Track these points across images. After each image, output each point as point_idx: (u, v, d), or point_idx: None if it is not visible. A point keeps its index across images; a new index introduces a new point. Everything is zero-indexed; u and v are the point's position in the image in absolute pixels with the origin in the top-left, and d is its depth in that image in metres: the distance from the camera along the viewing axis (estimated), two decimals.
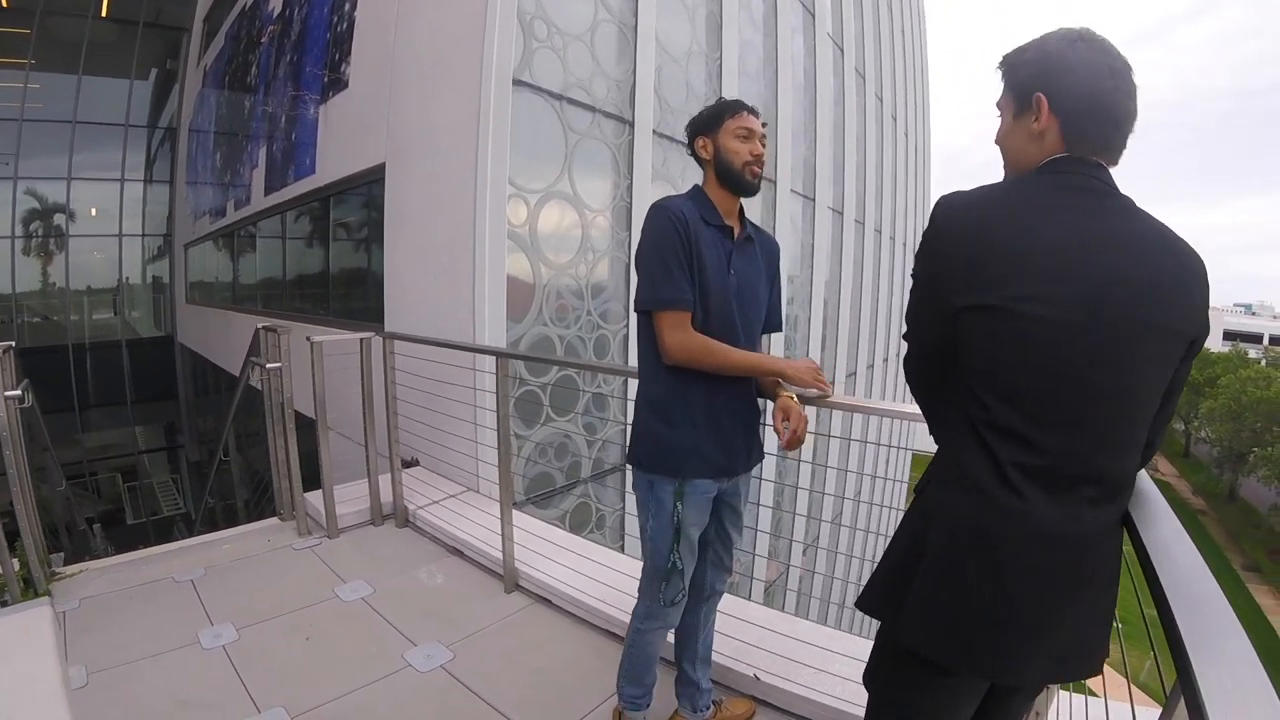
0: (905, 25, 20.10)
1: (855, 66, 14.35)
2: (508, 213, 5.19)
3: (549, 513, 5.79)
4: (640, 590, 2.40)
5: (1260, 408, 35.85)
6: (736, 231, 2.31)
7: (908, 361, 1.60)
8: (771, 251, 2.45)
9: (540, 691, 2.82)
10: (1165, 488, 38.01)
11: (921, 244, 1.44)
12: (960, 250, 1.36)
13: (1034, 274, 1.29)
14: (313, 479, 4.39)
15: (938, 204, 1.42)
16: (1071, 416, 1.32)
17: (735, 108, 2.29)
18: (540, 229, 5.68)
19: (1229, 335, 60.57)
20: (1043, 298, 1.29)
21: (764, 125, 2.33)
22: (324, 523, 4.35)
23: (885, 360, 18.93)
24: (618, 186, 6.60)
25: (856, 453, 16.14)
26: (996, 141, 1.53)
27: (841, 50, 13.40)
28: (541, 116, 5.67)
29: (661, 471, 2.24)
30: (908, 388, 1.64)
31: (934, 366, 1.50)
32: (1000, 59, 1.50)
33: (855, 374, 15.63)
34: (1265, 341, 60.01)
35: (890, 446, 18.64)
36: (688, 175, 7.87)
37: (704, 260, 2.16)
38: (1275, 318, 71.36)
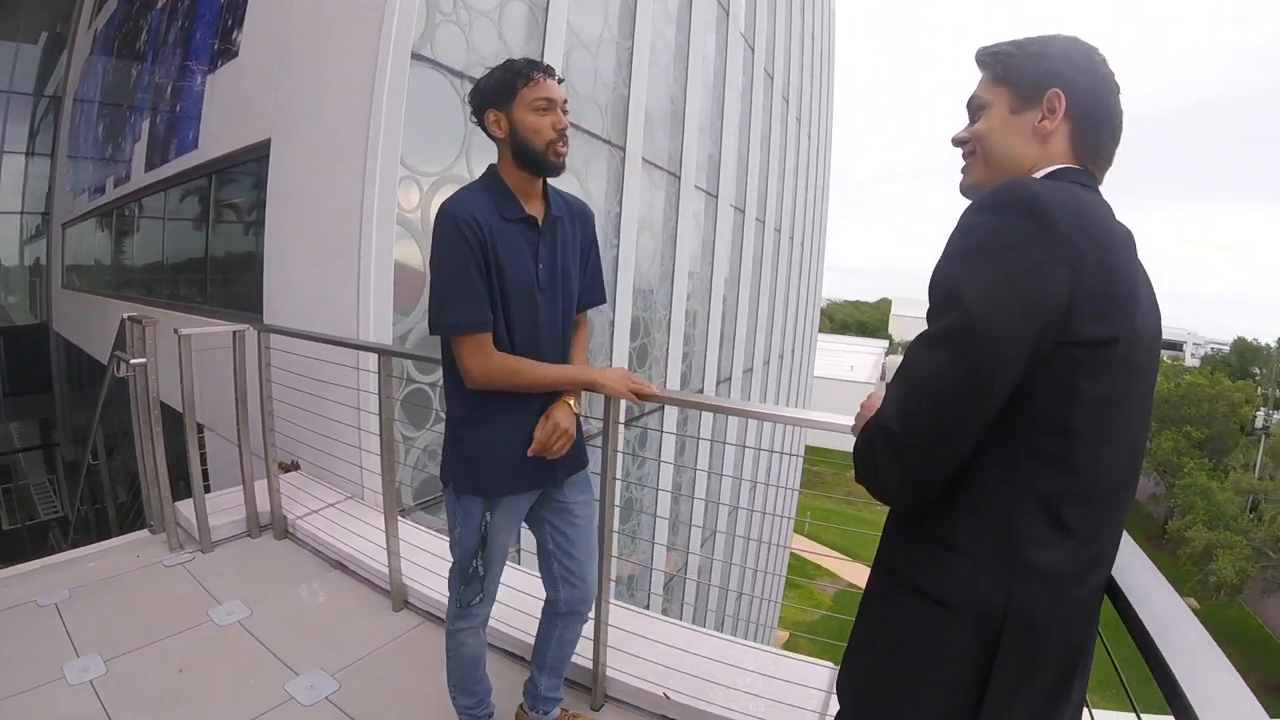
0: (816, 31, 20.44)
1: (765, 67, 14.44)
2: (399, 196, 4.84)
3: (440, 520, 5.46)
4: (449, 591, 2.29)
5: None
6: (542, 217, 2.08)
7: (923, 445, 1.12)
8: (584, 220, 2.26)
9: (435, 719, 2.58)
10: None
11: (1016, 247, 1.08)
12: (1090, 258, 1.07)
13: (1140, 303, 1.14)
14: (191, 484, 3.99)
15: (1033, 189, 1.11)
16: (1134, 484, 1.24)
17: (529, 74, 1.97)
18: (434, 215, 5.24)
19: None
20: (1146, 335, 1.15)
21: (560, 81, 2.03)
22: (197, 535, 3.96)
23: (780, 357, 19.21)
24: None
25: (750, 459, 16.28)
26: (972, 136, 1.35)
27: (753, 49, 13.45)
28: (441, 95, 5.33)
29: (470, 491, 2.13)
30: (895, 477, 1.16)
31: (979, 437, 1.12)
32: (984, 49, 1.36)
33: (752, 370, 15.79)
34: None
35: (782, 453, 18.85)
36: (591, 166, 7.63)
37: (503, 266, 1.97)
38: None
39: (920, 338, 1.14)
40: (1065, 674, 1.15)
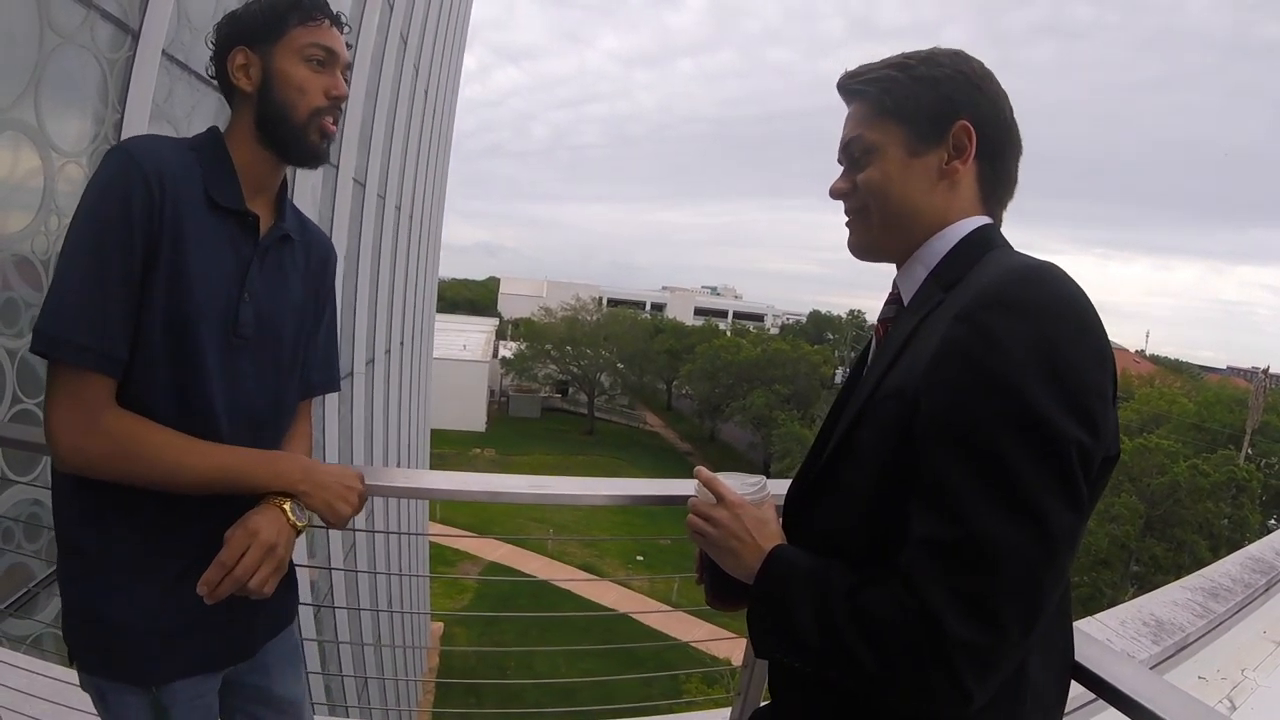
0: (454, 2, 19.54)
1: (401, 30, 13.28)
2: None
3: (35, 629, 3.66)
4: None
5: (732, 369, 44.74)
6: (264, 224, 1.34)
7: (1022, 641, 0.87)
8: (324, 259, 1.51)
9: None
10: (655, 437, 48.18)
11: (1079, 360, 0.87)
12: (1111, 357, 0.92)
13: None
14: None
15: (1070, 284, 0.91)
16: None
17: (310, 10, 1.30)
18: None
19: (700, 312, 77.96)
20: None
21: (349, 38, 1.41)
22: None
23: (402, 344, 18.06)
24: (103, 122, 4.50)
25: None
26: (861, 187, 1.11)
27: (391, 8, 12.25)
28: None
29: (117, 678, 1.25)
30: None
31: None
32: (855, 75, 1.12)
33: (374, 360, 14.49)
34: (730, 317, 78.10)
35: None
36: (196, 115, 5.90)
37: (189, 277, 1.19)
38: (736, 298, 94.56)
39: (988, 500, 0.86)
40: None
